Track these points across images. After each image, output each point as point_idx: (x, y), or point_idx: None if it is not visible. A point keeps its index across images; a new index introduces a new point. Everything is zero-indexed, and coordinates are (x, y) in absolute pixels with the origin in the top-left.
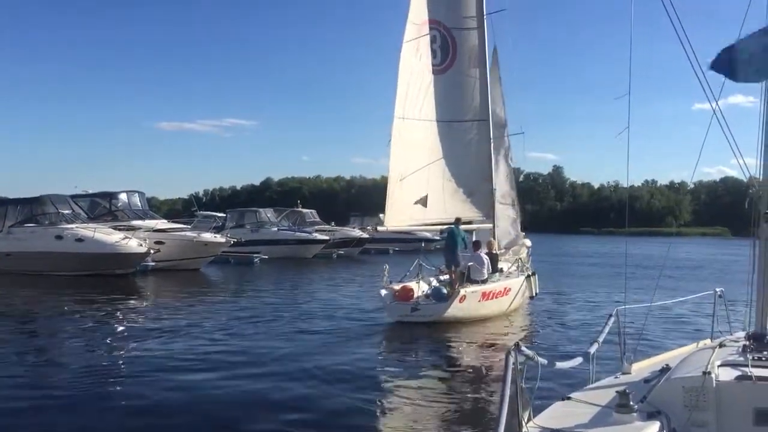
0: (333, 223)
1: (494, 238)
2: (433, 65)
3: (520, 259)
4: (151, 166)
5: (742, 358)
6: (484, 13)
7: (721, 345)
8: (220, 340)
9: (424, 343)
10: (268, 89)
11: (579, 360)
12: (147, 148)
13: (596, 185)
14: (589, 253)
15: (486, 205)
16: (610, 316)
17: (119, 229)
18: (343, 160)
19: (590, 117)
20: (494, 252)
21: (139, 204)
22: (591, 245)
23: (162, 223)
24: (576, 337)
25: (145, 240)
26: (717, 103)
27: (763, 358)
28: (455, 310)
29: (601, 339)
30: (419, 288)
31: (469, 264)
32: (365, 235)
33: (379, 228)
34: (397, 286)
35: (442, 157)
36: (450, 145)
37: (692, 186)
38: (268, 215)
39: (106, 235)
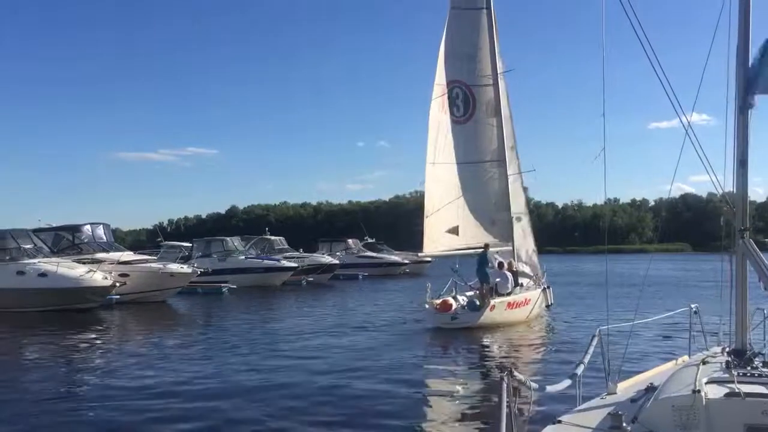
0: (301, 250)
1: (514, 258)
2: (456, 117)
3: (537, 275)
4: (113, 197)
5: (727, 375)
6: (498, 71)
7: (704, 362)
8: (197, 371)
9: (460, 344)
10: (228, 118)
11: (567, 383)
12: (108, 179)
13: (560, 204)
14: (559, 272)
15: (506, 231)
16: (594, 336)
17: (83, 263)
18: (307, 186)
19: (558, 139)
20: (515, 269)
21: (103, 236)
22: (558, 264)
23: (127, 255)
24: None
25: (110, 273)
26: (689, 121)
27: (748, 374)
28: (487, 317)
29: (586, 360)
30: (456, 301)
31: (497, 280)
32: (335, 261)
33: (419, 254)
34: (438, 300)
35: (468, 193)
36: (473, 182)
37: (653, 203)
38: (235, 244)
39: (70, 269)
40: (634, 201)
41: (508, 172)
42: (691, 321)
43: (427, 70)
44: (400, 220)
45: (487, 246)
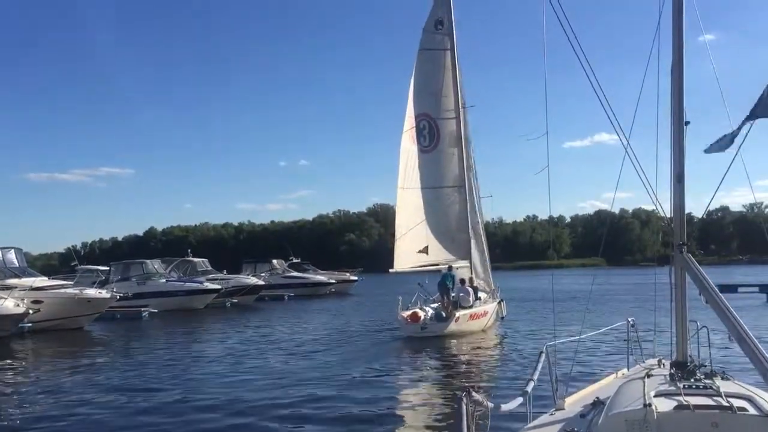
0: (225, 271)
1: (472, 274)
2: (423, 146)
3: (494, 290)
4: (20, 220)
5: (673, 388)
6: (460, 106)
7: (648, 375)
8: (112, 403)
9: (429, 349)
10: (144, 137)
11: (519, 400)
12: (15, 202)
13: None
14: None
15: (464, 249)
16: (541, 353)
17: None
18: (228, 207)
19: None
20: (474, 285)
21: (15, 261)
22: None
23: (41, 281)
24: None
25: (23, 299)
26: (628, 140)
27: (693, 386)
28: (452, 327)
29: (535, 377)
30: (424, 313)
31: (460, 294)
32: (260, 282)
33: (390, 270)
34: (408, 312)
35: (432, 214)
36: (437, 205)
37: (569, 220)
38: (156, 266)
39: None
40: (551, 217)
41: (467, 197)
42: (628, 334)
43: (352, 92)
44: (324, 240)
45: (450, 268)
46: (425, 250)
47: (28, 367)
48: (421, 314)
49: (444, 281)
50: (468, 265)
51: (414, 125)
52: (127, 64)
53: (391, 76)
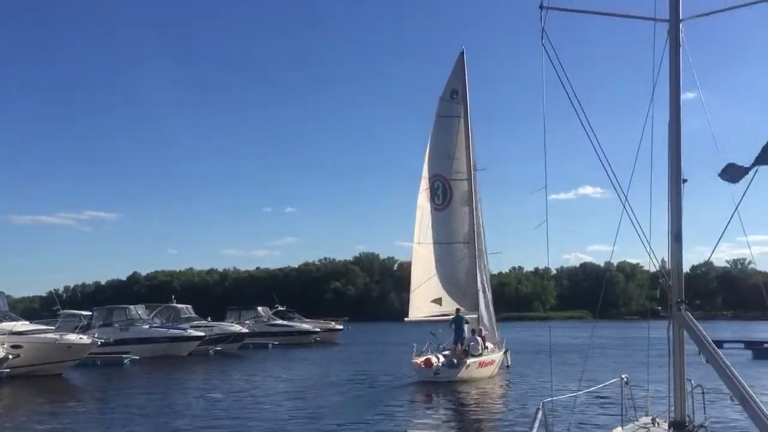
0: (209, 318)
1: (480, 325)
2: (436, 204)
3: (499, 341)
4: (2, 262)
5: None
6: (472, 169)
7: None
8: None
9: (442, 394)
10: (129, 182)
11: None
12: None
13: None
14: None
15: (473, 301)
16: (538, 410)
17: None
18: (213, 253)
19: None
20: (483, 336)
21: None
22: None
23: (22, 325)
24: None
25: (2, 344)
26: (626, 196)
27: None
28: (463, 374)
29: None
30: (437, 359)
31: (471, 344)
32: (244, 330)
33: (406, 319)
34: (421, 358)
35: (444, 267)
36: (448, 259)
37: (555, 272)
38: (139, 312)
39: None
40: (537, 270)
41: (477, 252)
42: (622, 391)
43: (340, 141)
44: (310, 288)
45: (458, 310)
46: (438, 301)
47: (6, 416)
48: (434, 360)
49: (458, 328)
50: (476, 316)
51: (429, 185)
52: (113, 107)
53: (381, 130)
